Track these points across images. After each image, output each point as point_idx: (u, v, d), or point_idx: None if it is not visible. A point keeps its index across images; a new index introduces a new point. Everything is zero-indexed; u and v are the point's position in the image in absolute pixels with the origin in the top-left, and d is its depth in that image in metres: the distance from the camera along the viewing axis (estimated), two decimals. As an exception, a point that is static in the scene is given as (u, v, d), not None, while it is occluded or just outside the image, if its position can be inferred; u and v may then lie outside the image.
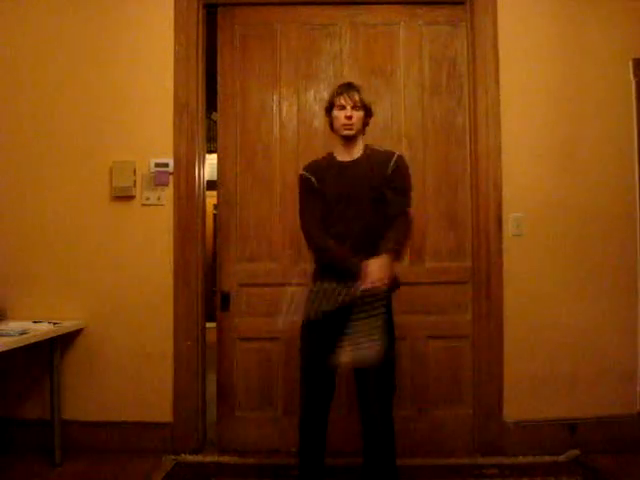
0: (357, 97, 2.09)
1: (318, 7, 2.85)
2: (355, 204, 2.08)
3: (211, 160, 3.06)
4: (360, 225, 2.07)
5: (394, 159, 2.11)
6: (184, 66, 2.76)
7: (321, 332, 2.06)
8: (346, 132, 2.11)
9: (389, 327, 2.08)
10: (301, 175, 2.19)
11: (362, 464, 2.11)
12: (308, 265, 2.34)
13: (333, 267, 2.05)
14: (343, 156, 2.15)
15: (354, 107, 2.09)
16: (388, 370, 2.07)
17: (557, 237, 2.75)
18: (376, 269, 1.94)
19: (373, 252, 1.99)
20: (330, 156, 2.19)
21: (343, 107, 2.09)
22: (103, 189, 2.76)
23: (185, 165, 2.76)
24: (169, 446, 2.70)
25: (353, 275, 1.97)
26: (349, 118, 2.08)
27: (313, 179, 2.14)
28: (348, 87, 2.13)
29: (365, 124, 2.16)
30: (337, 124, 2.12)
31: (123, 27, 2.78)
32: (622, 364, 2.73)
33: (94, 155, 2.77)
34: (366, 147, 2.17)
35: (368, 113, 2.15)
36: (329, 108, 2.16)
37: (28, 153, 2.78)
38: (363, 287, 1.93)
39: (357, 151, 2.14)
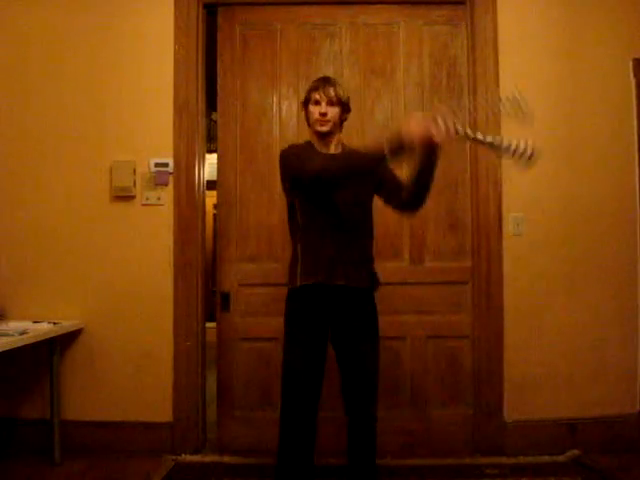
0: (332, 93, 2.03)
1: (318, 7, 2.85)
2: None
3: (211, 160, 3.05)
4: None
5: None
6: (184, 66, 2.76)
7: None
8: (319, 128, 2.05)
9: (374, 326, 2.09)
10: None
11: (348, 465, 2.07)
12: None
13: None
14: (321, 150, 2.10)
15: (329, 103, 2.03)
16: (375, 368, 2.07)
17: (557, 237, 2.75)
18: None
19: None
20: (310, 145, 2.13)
21: (318, 102, 2.04)
22: (103, 189, 2.76)
23: (185, 165, 2.76)
24: (169, 446, 2.70)
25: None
26: (323, 115, 2.03)
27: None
28: (324, 82, 2.07)
29: (342, 120, 2.10)
30: (312, 119, 2.08)
31: (123, 27, 2.78)
32: (622, 363, 2.73)
33: (94, 155, 2.76)
34: (343, 145, 2.14)
35: (345, 109, 2.09)
36: (305, 102, 2.11)
37: (28, 153, 2.78)
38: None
39: (334, 147, 2.10)
